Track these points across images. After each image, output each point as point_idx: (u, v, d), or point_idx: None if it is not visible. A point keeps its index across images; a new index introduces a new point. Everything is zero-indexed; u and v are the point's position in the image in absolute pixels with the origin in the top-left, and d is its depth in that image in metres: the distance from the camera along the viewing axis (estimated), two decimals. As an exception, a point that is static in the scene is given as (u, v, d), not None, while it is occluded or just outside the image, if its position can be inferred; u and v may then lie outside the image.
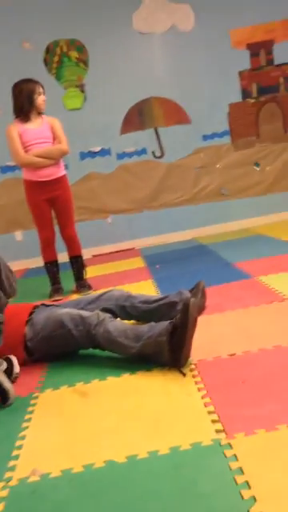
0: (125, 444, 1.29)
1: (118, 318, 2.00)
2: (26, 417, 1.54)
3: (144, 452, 1.23)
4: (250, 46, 4.91)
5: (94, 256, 4.88)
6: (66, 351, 1.96)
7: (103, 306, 2.08)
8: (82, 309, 2.05)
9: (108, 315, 1.89)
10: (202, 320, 2.15)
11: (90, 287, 3.21)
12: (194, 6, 4.82)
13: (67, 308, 1.98)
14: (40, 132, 3.05)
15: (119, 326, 1.83)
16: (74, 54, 4.82)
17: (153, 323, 1.79)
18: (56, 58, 4.80)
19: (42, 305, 2.13)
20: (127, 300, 2.14)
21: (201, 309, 2.23)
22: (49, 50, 4.79)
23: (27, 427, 1.48)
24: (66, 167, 3.23)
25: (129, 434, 1.34)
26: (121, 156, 5.00)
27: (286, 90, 4.97)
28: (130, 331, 1.79)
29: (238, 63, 4.92)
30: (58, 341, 1.89)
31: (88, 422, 1.46)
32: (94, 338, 1.83)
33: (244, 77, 4.94)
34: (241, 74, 4.94)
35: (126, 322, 2.00)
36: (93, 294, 2.22)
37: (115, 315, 2.07)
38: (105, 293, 2.19)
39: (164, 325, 1.72)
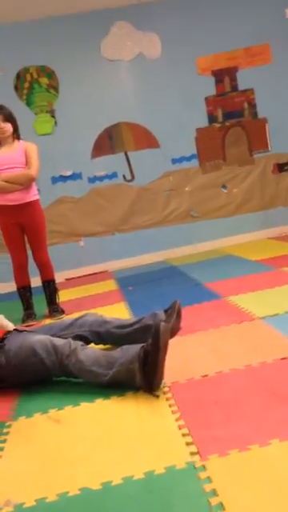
0: (99, 470, 1.28)
1: (92, 344, 1.99)
2: (-1, 446, 1.52)
3: (118, 478, 1.23)
4: (214, 73, 5.08)
5: (67, 279, 4.87)
6: (39, 379, 1.94)
7: (77, 333, 2.07)
8: (55, 335, 2.03)
9: (80, 343, 1.87)
10: (174, 341, 2.17)
11: (62, 311, 3.20)
12: (161, 34, 4.98)
13: (40, 335, 1.96)
14: (11, 157, 3.06)
15: (91, 354, 1.82)
16: (44, 81, 4.88)
17: (125, 347, 1.79)
18: (26, 85, 4.86)
19: (15, 330, 2.11)
20: (101, 326, 2.13)
21: (175, 330, 2.24)
22: (19, 77, 4.84)
23: (0, 456, 1.46)
24: (39, 191, 3.24)
25: (103, 459, 1.34)
26: (92, 180, 5.05)
27: (250, 115, 5.15)
28: (102, 358, 1.78)
29: (204, 89, 5.08)
30: (31, 369, 1.87)
31: (62, 449, 1.45)
32: (67, 367, 1.82)
33: (210, 102, 5.10)
34: (207, 99, 5.10)
35: (99, 347, 2.01)
36: (66, 319, 2.21)
37: (89, 341, 2.07)
38: (79, 318, 2.17)
39: (135, 350, 1.73)
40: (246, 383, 1.66)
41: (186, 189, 5.18)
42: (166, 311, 2.24)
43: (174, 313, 2.23)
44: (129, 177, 5.10)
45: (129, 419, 1.55)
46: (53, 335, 2.00)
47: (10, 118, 3.07)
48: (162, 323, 1.68)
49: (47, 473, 1.33)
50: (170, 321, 2.21)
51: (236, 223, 5.23)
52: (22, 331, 2.13)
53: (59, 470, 1.33)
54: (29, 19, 4.76)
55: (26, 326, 2.88)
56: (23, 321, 3.14)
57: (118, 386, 1.76)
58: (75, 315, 2.84)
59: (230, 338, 2.17)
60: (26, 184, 3.07)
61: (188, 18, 5.00)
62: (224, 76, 5.09)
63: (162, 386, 1.73)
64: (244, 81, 5.10)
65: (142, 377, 1.68)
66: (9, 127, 3.06)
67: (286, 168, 5.24)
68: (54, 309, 3.23)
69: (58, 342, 1.87)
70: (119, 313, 2.90)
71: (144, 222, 5.16)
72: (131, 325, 2.15)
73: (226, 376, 1.75)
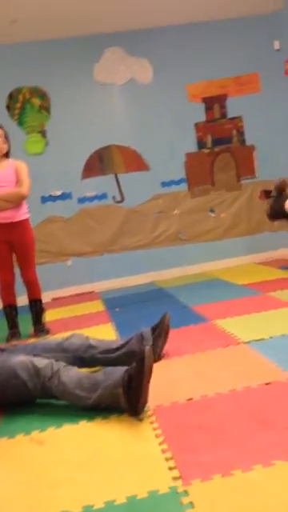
0: (81, 494, 1.27)
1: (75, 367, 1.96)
2: (-20, 468, 1.50)
3: (100, 502, 1.22)
4: (204, 100, 5.19)
5: (54, 299, 4.84)
6: (21, 400, 1.92)
7: (59, 359, 2.00)
8: (38, 355, 2.01)
9: (63, 364, 1.86)
10: (160, 364, 2.19)
11: (48, 331, 3.18)
12: (152, 60, 5.09)
13: (21, 355, 1.93)
14: (2, 176, 3.08)
15: (74, 376, 1.80)
16: (36, 101, 4.94)
17: (108, 369, 1.78)
18: (18, 105, 4.91)
19: (-2, 349, 2.09)
20: (86, 351, 2.10)
21: (160, 350, 2.24)
22: (12, 97, 4.90)
23: (-20, 480, 1.43)
24: (28, 210, 3.25)
25: (85, 483, 1.33)
26: (82, 200, 5.08)
27: (239, 142, 5.26)
28: (85, 381, 1.76)
29: (194, 115, 5.18)
30: (12, 391, 1.85)
31: (44, 471, 1.43)
32: (49, 389, 1.80)
33: (199, 128, 5.20)
34: (196, 125, 5.20)
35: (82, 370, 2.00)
36: (52, 340, 2.18)
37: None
38: (64, 341, 2.14)
39: (119, 373, 1.71)
40: (231, 408, 1.66)
41: (175, 212, 5.23)
42: (154, 328, 2.24)
43: (162, 331, 2.23)
44: (118, 198, 5.14)
45: (112, 442, 1.54)
46: (35, 356, 1.98)
47: (7, 136, 3.13)
48: (147, 347, 1.68)
49: (28, 495, 1.31)
50: (157, 344, 2.22)
51: (223, 247, 5.28)
52: (3, 350, 2.11)
53: (40, 493, 1.31)
54: (24, 41, 4.84)
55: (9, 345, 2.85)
56: (7, 340, 3.12)
57: (101, 409, 1.75)
58: (61, 335, 2.84)
59: (216, 361, 2.17)
60: (17, 202, 3.09)
61: (179, 45, 5.13)
62: (214, 103, 5.21)
63: (146, 409, 1.72)
64: (233, 108, 5.22)
65: (125, 400, 1.67)
66: (6, 146, 3.10)
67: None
68: (40, 328, 3.21)
69: (40, 363, 1.85)
70: (106, 334, 2.89)
71: (133, 243, 5.19)
72: (117, 349, 2.14)
73: (211, 400, 1.75)
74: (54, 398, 1.84)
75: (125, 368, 1.73)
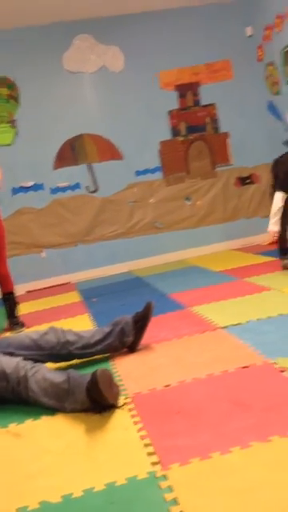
0: (60, 483, 1.26)
1: (45, 365, 1.87)
2: None
3: (79, 490, 1.20)
4: (177, 87, 5.17)
5: (29, 292, 4.78)
6: None
7: (34, 357, 1.94)
8: (12, 354, 1.93)
9: (29, 367, 1.78)
10: (138, 352, 2.19)
11: (22, 325, 3.14)
12: (123, 48, 5.04)
13: None
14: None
15: (41, 382, 1.73)
16: (4, 91, 4.84)
17: (71, 378, 1.69)
18: (-14, 95, 4.80)
19: None
20: (63, 348, 2.04)
21: (140, 340, 2.23)
22: (-21, 87, 4.78)
23: None
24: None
25: (64, 472, 1.31)
26: (54, 191, 5.02)
27: (213, 130, 5.26)
28: (49, 390, 1.71)
29: (167, 103, 5.15)
30: None
31: (21, 463, 1.41)
32: (20, 395, 1.76)
33: (173, 116, 5.18)
34: (170, 113, 5.17)
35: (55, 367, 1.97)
36: (27, 335, 2.11)
37: (46, 361, 2.00)
38: (40, 337, 2.06)
39: (83, 389, 1.64)
40: (208, 392, 1.66)
41: (151, 200, 5.21)
42: (135, 320, 2.19)
43: (145, 324, 2.20)
44: (92, 188, 5.09)
45: (91, 431, 1.53)
46: (10, 354, 1.93)
47: None
48: (99, 372, 1.60)
49: (6, 487, 1.29)
50: (139, 336, 2.20)
51: (200, 235, 5.30)
52: None
53: (18, 484, 1.29)
54: (-10, 29, 4.73)
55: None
56: (-17, 334, 3.06)
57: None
58: (36, 328, 2.80)
59: (193, 347, 2.18)
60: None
61: (150, 32, 5.08)
62: (186, 90, 5.19)
63: (125, 397, 1.72)
64: (206, 96, 5.21)
65: (95, 408, 1.64)
66: None
67: (247, 181, 5.36)
68: (14, 322, 3.16)
69: (8, 367, 1.78)
70: (83, 325, 2.87)
71: (108, 233, 5.15)
72: (95, 343, 2.11)
73: (189, 385, 1.75)
74: (26, 403, 1.78)
75: (86, 381, 1.64)
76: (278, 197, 3.45)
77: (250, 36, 5.20)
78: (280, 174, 3.55)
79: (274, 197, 3.51)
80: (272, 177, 3.78)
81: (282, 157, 3.68)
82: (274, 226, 3.46)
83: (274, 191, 3.54)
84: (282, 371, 1.71)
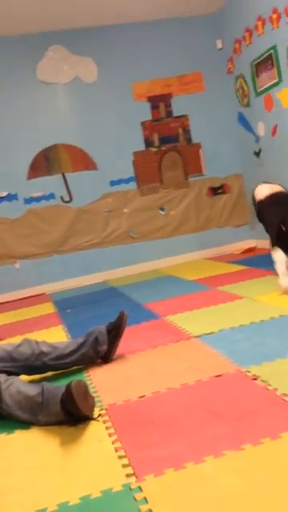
0: (33, 498, 1.25)
1: (19, 378, 1.86)
2: None
3: (53, 504, 1.20)
4: (150, 99, 5.23)
5: (1, 303, 4.72)
6: None
7: (8, 369, 1.93)
8: None
9: (3, 380, 1.76)
10: (113, 362, 2.19)
11: (-4, 336, 3.10)
12: (96, 59, 5.07)
13: None
14: None
15: (16, 396, 1.71)
16: (-23, 101, 4.80)
17: (45, 390, 1.68)
18: None
19: None
20: (37, 359, 2.04)
21: (115, 349, 2.24)
22: None
23: None
24: None
25: (37, 487, 1.30)
26: (28, 201, 4.99)
27: (185, 140, 5.33)
28: (23, 402, 1.69)
29: (140, 114, 5.20)
30: None
31: (-6, 480, 1.40)
32: None
33: (146, 127, 5.23)
34: (143, 124, 5.22)
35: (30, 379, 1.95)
36: (2, 345, 2.09)
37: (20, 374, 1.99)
38: (14, 349, 2.04)
39: (57, 402, 1.63)
40: (182, 402, 1.68)
41: (125, 210, 5.23)
42: (109, 329, 2.21)
43: (119, 333, 2.21)
44: (67, 198, 5.09)
45: (65, 445, 1.52)
46: None
47: None
48: (74, 384, 1.60)
49: (-22, 506, 1.27)
50: (113, 345, 2.21)
51: (174, 244, 5.34)
52: None
53: (-9, 502, 1.27)
54: None
55: None
56: None
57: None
58: (10, 340, 2.78)
59: (168, 357, 2.19)
60: None
61: (124, 44, 5.13)
62: (159, 102, 5.25)
63: (99, 408, 1.72)
64: (178, 107, 5.28)
65: (69, 420, 1.63)
66: None
67: (219, 191, 5.44)
68: (-11, 334, 3.12)
69: None
70: (57, 336, 2.86)
71: (83, 242, 5.14)
72: (70, 354, 2.11)
73: (163, 396, 1.76)
74: (0, 416, 1.76)
75: (60, 394, 1.64)
76: (279, 255, 3.03)
77: (221, 49, 5.31)
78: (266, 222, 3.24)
79: (272, 253, 3.08)
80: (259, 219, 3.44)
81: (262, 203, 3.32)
82: (286, 278, 2.96)
83: (272, 245, 3.12)
84: (254, 379, 1.74)
